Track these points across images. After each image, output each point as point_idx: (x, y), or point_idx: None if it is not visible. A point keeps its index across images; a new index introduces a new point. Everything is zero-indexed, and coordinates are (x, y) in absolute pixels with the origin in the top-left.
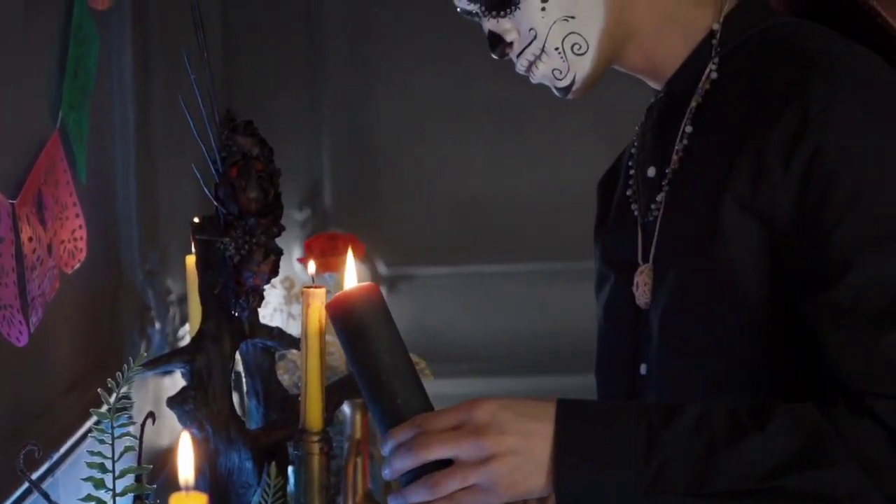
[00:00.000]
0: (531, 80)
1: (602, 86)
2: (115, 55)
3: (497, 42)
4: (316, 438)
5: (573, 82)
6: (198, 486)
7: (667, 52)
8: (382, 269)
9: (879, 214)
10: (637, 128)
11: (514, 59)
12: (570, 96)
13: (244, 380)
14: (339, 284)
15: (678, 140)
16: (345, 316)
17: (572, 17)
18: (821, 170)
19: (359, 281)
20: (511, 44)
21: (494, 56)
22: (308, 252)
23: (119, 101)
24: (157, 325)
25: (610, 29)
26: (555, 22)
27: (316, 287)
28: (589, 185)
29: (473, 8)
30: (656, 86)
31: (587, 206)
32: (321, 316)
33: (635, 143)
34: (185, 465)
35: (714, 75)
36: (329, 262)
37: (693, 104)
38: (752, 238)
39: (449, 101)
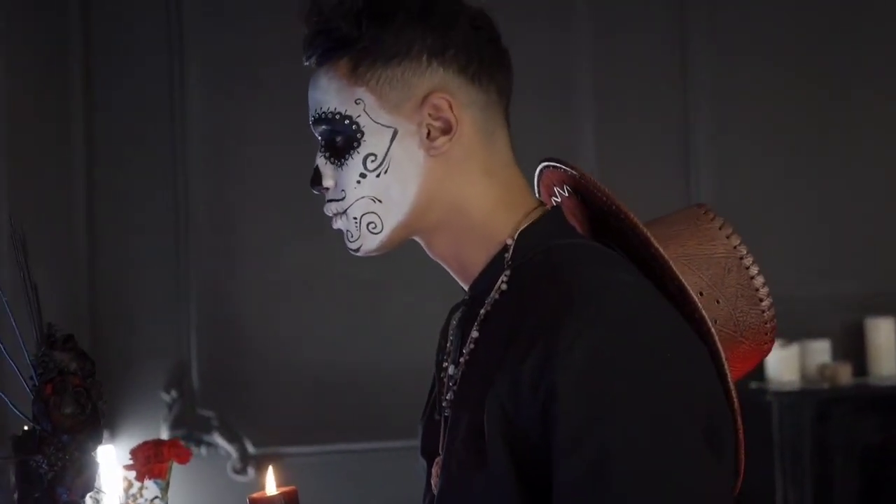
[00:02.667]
0: (332, 224)
1: None
2: None
3: (317, 180)
4: None
5: (359, 249)
6: None
7: (471, 257)
8: (251, 448)
9: (592, 460)
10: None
11: (325, 200)
12: (356, 254)
13: None
14: (164, 489)
15: (467, 343)
16: None
17: (379, 201)
18: (554, 409)
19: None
20: (327, 188)
21: (313, 190)
22: (133, 459)
23: None
24: None
25: (408, 223)
26: (362, 197)
27: None
28: None
29: (318, 137)
30: (465, 286)
31: None
32: None
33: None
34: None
35: (504, 286)
36: (153, 468)
37: (482, 311)
38: (513, 451)
39: (313, 280)
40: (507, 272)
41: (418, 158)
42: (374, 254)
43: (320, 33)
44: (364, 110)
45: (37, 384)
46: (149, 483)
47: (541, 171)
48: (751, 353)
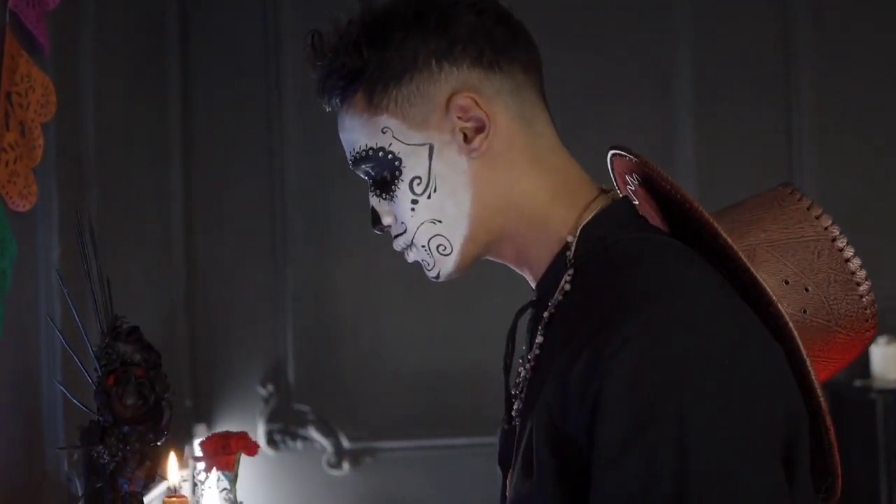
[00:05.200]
0: (406, 259)
1: None
2: (41, 253)
3: (376, 220)
4: None
5: (439, 275)
6: None
7: (535, 257)
8: (346, 443)
9: (633, 478)
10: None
11: (392, 237)
12: (439, 281)
13: None
14: (232, 480)
15: (533, 349)
16: None
17: (439, 221)
18: (599, 419)
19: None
20: (388, 225)
21: (375, 231)
22: (202, 451)
23: (45, 298)
24: None
25: (474, 235)
26: (422, 223)
27: (178, 497)
28: None
29: (364, 177)
30: (533, 285)
31: None
32: None
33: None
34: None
35: (567, 287)
36: (220, 460)
37: (546, 314)
38: (560, 460)
39: (405, 278)
40: (571, 271)
41: (462, 166)
42: (454, 276)
43: (329, 75)
44: (393, 137)
45: (99, 375)
46: (219, 474)
47: (611, 158)
48: (850, 343)
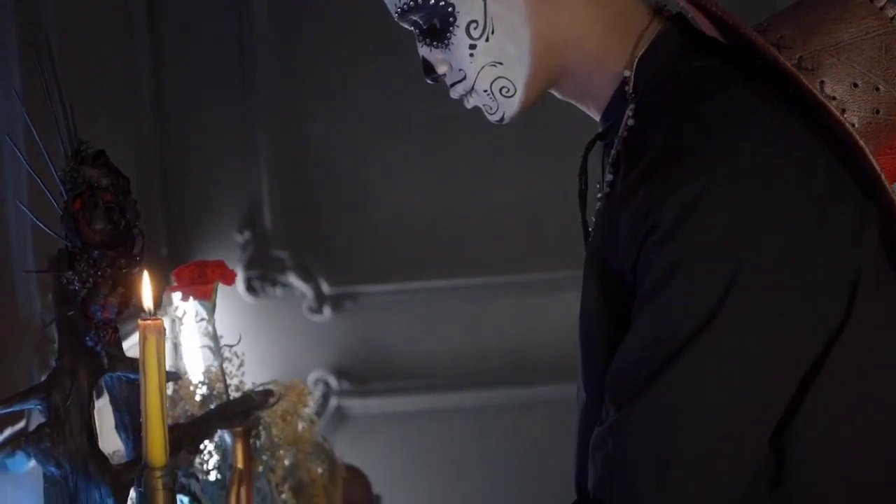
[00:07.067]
0: (465, 105)
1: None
2: (2, 80)
3: (429, 69)
4: (159, 474)
5: (503, 118)
6: None
7: (597, 91)
8: (326, 288)
9: (657, 320)
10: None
11: (448, 86)
12: (503, 124)
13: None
14: (210, 310)
15: (603, 187)
16: None
17: (500, 63)
18: (646, 255)
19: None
20: (443, 74)
21: (428, 80)
22: (177, 281)
23: (9, 127)
24: None
25: (537, 73)
26: (483, 67)
27: (153, 320)
28: (527, 199)
29: (412, 28)
30: (598, 118)
31: (526, 219)
32: (159, 350)
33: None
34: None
35: (631, 122)
36: (197, 289)
37: (613, 152)
38: (607, 300)
39: (385, 117)
40: (632, 106)
41: (518, 3)
42: (519, 117)
43: None
44: None
45: (66, 200)
46: (196, 305)
47: None
48: None
